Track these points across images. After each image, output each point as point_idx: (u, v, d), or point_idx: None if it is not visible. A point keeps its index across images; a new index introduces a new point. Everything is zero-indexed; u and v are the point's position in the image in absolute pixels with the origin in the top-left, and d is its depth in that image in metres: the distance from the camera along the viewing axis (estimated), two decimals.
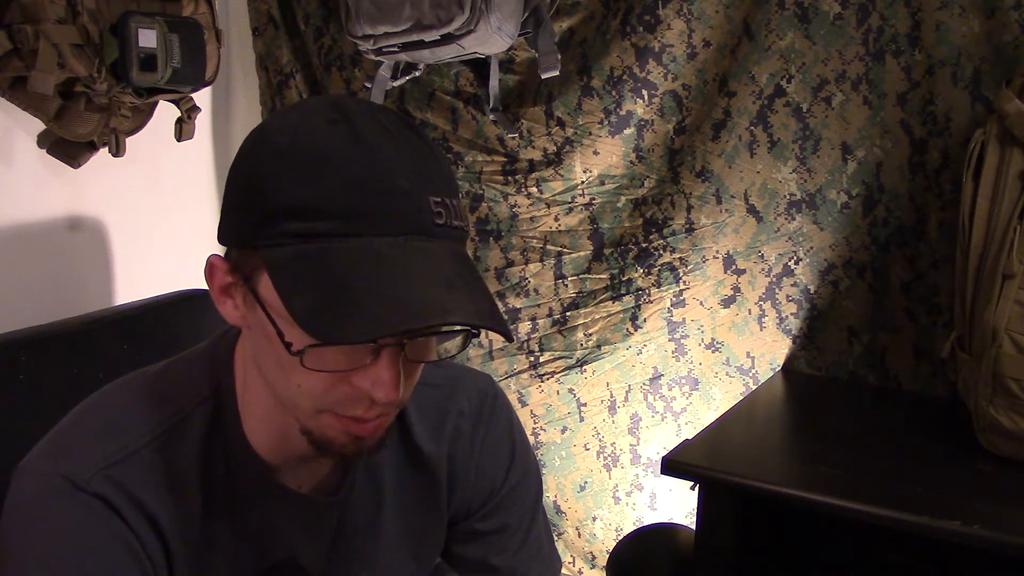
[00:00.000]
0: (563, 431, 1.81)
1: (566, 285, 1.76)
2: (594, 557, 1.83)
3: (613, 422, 1.77)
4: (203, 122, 1.78)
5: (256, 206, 0.72)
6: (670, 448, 1.29)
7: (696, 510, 1.27)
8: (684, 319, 1.69)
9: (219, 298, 0.78)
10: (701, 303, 1.68)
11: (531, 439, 1.80)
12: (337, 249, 0.70)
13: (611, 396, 1.77)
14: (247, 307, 0.76)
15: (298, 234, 0.70)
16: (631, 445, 1.77)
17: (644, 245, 1.69)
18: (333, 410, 0.77)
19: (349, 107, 0.75)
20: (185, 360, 0.88)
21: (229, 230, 0.77)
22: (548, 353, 1.79)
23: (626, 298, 1.72)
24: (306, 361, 0.72)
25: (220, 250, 0.79)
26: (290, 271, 0.70)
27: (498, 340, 1.82)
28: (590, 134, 1.68)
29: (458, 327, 0.75)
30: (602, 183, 1.70)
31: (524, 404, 1.82)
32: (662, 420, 1.74)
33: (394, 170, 0.72)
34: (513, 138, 1.73)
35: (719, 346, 1.68)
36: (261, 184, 0.72)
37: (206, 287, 0.79)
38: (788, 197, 1.58)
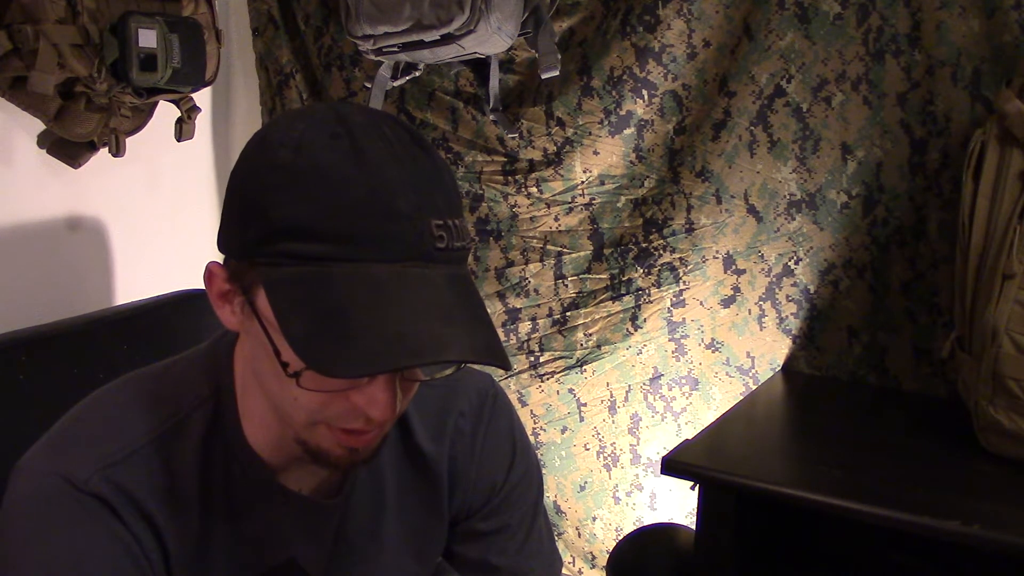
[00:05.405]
0: (563, 431, 1.81)
1: (566, 285, 1.76)
2: (594, 557, 1.83)
3: (613, 422, 1.77)
4: (203, 122, 1.78)
5: (255, 221, 0.72)
6: (670, 448, 1.29)
7: (696, 510, 1.27)
8: (684, 319, 1.69)
9: (217, 303, 0.78)
10: (701, 303, 1.67)
11: (531, 439, 1.79)
12: (334, 274, 0.69)
13: (611, 396, 1.77)
14: (244, 316, 0.76)
15: (296, 255, 0.70)
16: (631, 445, 1.77)
17: (644, 245, 1.69)
18: (328, 422, 0.77)
19: (354, 120, 0.73)
20: (185, 361, 0.87)
21: (228, 240, 0.77)
22: (548, 353, 1.79)
23: (626, 298, 1.72)
24: (302, 382, 0.72)
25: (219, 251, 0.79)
26: (287, 293, 0.70)
27: None
28: (590, 134, 1.68)
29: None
30: (602, 183, 1.70)
31: (524, 404, 1.82)
32: (662, 420, 1.74)
33: (395, 192, 0.70)
34: (513, 138, 1.73)
35: (719, 346, 1.68)
36: (260, 198, 0.72)
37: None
38: (788, 197, 1.58)
